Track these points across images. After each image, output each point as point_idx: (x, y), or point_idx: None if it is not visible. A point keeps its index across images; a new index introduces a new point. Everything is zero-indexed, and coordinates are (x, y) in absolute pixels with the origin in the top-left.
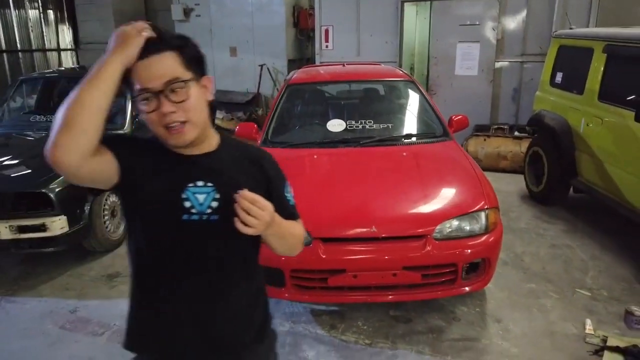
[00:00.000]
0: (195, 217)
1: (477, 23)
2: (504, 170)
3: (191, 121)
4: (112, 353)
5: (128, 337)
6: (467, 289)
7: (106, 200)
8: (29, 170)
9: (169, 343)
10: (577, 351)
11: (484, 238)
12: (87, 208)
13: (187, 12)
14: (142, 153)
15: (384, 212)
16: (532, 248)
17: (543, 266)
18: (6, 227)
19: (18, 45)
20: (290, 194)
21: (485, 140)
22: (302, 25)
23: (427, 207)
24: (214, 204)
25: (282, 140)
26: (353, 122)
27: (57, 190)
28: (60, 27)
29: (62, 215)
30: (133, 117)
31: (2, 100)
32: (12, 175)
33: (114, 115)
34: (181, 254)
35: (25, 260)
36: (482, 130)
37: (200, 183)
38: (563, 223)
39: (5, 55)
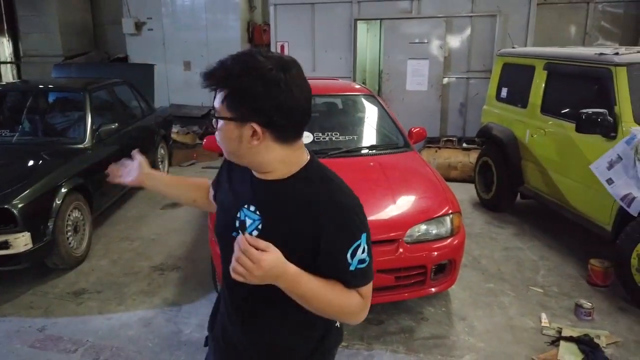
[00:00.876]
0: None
1: (426, 41)
2: (454, 180)
3: (222, 148)
4: None
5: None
6: (434, 289)
7: (69, 215)
8: None
9: (217, 349)
10: (536, 343)
11: (449, 240)
12: (50, 224)
13: (138, 25)
14: (227, 173)
15: None
16: (487, 251)
17: (498, 267)
18: None
19: None
20: (356, 257)
21: (436, 151)
22: (257, 41)
23: (397, 213)
24: (255, 234)
25: None
26: (320, 135)
27: (20, 206)
28: None
29: (26, 232)
30: (94, 131)
31: None
32: None
33: (69, 128)
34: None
35: None
36: (432, 142)
37: (252, 208)
38: (513, 227)
39: None
